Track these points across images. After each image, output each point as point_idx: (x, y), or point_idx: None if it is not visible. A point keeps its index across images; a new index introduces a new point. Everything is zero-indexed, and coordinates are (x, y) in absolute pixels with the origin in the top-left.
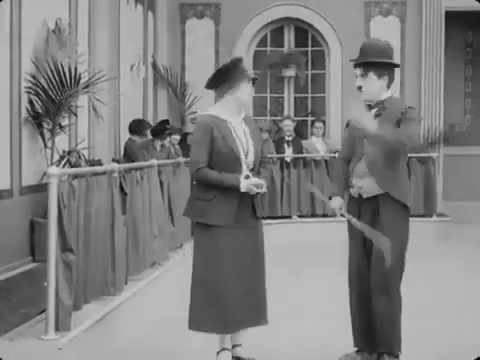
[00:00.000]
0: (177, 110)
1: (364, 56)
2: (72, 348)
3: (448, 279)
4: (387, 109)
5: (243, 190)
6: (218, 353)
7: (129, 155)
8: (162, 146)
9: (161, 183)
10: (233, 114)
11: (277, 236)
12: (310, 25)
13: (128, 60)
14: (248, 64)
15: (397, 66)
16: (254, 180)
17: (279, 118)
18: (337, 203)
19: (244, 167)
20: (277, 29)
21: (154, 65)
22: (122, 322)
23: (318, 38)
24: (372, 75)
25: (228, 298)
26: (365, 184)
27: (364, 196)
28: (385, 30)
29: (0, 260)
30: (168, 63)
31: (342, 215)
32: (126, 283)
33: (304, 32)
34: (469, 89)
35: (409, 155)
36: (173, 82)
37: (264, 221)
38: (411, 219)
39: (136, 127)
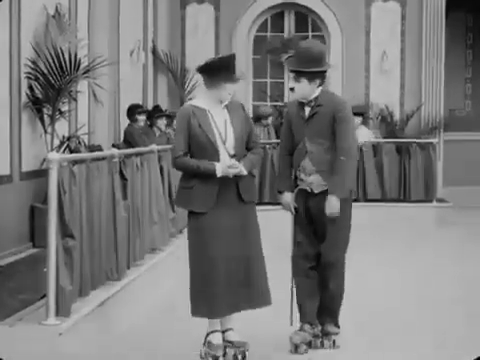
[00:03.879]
0: (177, 96)
1: (297, 63)
2: (72, 333)
3: (448, 264)
4: (321, 106)
5: (219, 175)
6: (208, 335)
7: (129, 141)
8: (160, 131)
9: (161, 169)
10: (214, 104)
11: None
12: (310, 10)
13: (128, 45)
14: (248, 49)
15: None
16: (228, 162)
17: (280, 103)
18: (289, 198)
19: (222, 154)
20: (277, 14)
21: (154, 50)
22: (122, 307)
23: (318, 23)
24: (304, 80)
25: (215, 283)
26: (315, 180)
27: (315, 191)
28: (385, 15)
29: (0, 246)
30: (168, 48)
31: (296, 210)
32: (129, 268)
33: (304, 17)
34: (469, 74)
35: (409, 140)
36: (173, 68)
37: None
38: (412, 204)
39: (128, 112)
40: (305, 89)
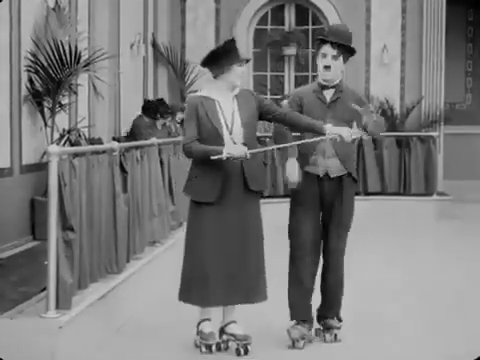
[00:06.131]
0: (177, 88)
1: (341, 39)
2: (73, 326)
3: (449, 257)
4: (342, 92)
5: (225, 156)
6: (199, 323)
7: (136, 133)
8: (164, 125)
9: (161, 162)
10: (223, 93)
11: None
12: (311, 3)
13: (128, 38)
14: (248, 43)
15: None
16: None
17: (280, 97)
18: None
19: (227, 143)
20: (278, 7)
21: (154, 43)
22: (123, 300)
23: (319, 16)
24: (341, 59)
25: (208, 273)
26: (333, 164)
27: (331, 176)
28: (386, 7)
29: (0, 238)
30: (168, 41)
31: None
32: (128, 261)
33: (305, 10)
34: (470, 68)
35: (410, 134)
36: (173, 60)
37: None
38: (412, 198)
39: (150, 107)
40: (340, 68)
